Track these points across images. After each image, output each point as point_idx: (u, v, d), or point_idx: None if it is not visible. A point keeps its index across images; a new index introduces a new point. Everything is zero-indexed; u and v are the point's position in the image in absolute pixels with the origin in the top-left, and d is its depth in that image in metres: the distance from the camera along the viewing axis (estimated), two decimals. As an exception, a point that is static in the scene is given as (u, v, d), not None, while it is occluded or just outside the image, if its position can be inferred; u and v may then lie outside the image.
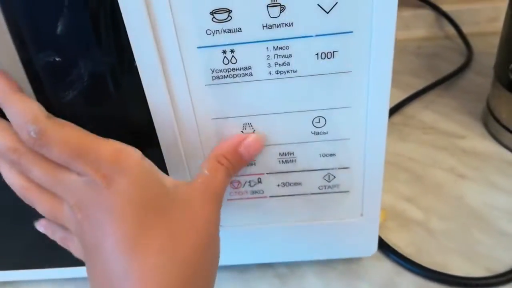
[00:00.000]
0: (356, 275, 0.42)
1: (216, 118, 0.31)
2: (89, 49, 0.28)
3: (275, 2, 0.26)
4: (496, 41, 0.54)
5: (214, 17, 0.27)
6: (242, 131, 0.32)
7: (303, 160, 0.33)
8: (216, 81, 0.29)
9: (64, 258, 0.39)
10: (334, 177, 0.34)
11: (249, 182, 0.35)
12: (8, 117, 0.28)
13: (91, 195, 0.27)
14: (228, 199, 0.36)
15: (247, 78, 0.29)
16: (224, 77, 0.29)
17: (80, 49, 0.28)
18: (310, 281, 0.42)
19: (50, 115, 0.28)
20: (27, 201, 0.31)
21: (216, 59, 0.28)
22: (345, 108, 0.30)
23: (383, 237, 0.43)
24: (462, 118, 0.58)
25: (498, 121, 0.53)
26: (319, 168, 0.34)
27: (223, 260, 0.31)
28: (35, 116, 0.27)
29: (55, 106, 0.29)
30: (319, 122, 0.31)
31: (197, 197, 0.29)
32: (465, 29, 0.71)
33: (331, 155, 0.33)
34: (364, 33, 0.27)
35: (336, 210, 0.36)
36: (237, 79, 0.29)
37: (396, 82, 0.29)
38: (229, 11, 0.27)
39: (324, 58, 0.28)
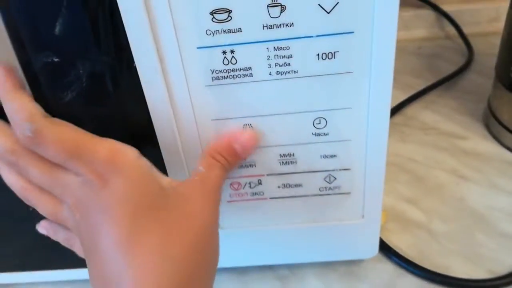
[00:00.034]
0: (357, 277, 0.41)
1: (216, 119, 0.31)
2: (87, 49, 0.27)
3: (275, 2, 0.26)
4: (497, 41, 0.54)
5: (214, 17, 0.26)
6: (242, 132, 0.32)
7: (303, 161, 0.33)
8: (216, 81, 0.29)
9: (62, 260, 0.40)
10: (335, 178, 0.34)
11: (249, 183, 0.35)
12: (6, 113, 0.28)
13: (87, 195, 0.27)
14: (228, 201, 0.36)
15: (247, 78, 0.29)
16: (224, 77, 0.29)
17: (78, 49, 0.27)
18: (310, 283, 0.42)
19: (47, 114, 0.28)
20: (27, 202, 0.31)
21: (216, 60, 0.28)
22: (346, 109, 0.30)
23: (384, 239, 0.43)
24: (463, 118, 0.57)
25: (499, 122, 0.52)
26: (320, 170, 0.34)
27: (222, 262, 0.31)
28: (31, 115, 0.27)
29: (53, 107, 0.29)
30: (320, 123, 0.31)
31: (193, 194, 0.29)
32: (466, 29, 0.71)
33: (332, 156, 0.33)
34: (365, 34, 0.27)
35: (337, 212, 0.36)
36: (237, 79, 0.29)
37: (396, 82, 0.29)
38: (229, 11, 0.26)
39: (325, 58, 0.28)
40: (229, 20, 0.27)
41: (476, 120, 0.57)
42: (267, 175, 0.34)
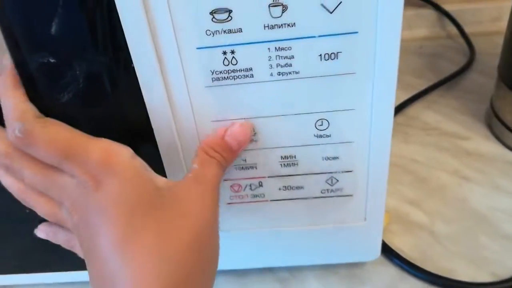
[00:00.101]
0: (359, 279, 0.41)
1: (216, 121, 0.31)
2: (84, 49, 0.27)
3: (277, 1, 0.26)
4: (499, 40, 0.54)
5: (214, 17, 0.26)
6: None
7: (305, 163, 0.33)
8: (216, 82, 0.29)
9: (61, 262, 0.40)
10: (337, 180, 0.33)
11: (250, 185, 0.34)
12: (3, 111, 0.28)
13: (83, 196, 0.27)
14: (228, 203, 0.35)
15: (248, 79, 0.29)
16: (224, 78, 0.29)
17: (75, 50, 0.27)
18: (311, 286, 0.41)
19: (40, 115, 0.28)
20: (26, 204, 0.30)
21: (216, 60, 0.28)
22: (349, 110, 0.30)
23: (386, 241, 0.42)
24: (465, 118, 0.57)
25: (502, 122, 0.52)
26: (322, 172, 0.33)
27: (221, 265, 0.30)
28: (23, 115, 0.27)
29: (49, 108, 0.29)
30: (322, 124, 0.31)
31: (189, 193, 0.28)
32: (468, 29, 0.71)
33: (334, 158, 0.32)
34: (368, 34, 0.27)
35: (339, 214, 0.36)
36: (237, 80, 0.29)
37: (397, 82, 0.29)
38: (230, 11, 0.26)
39: (328, 59, 0.28)
40: (230, 20, 0.26)
41: (478, 120, 0.56)
42: (268, 177, 0.34)
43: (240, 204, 0.35)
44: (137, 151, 0.28)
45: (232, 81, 0.29)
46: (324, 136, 0.31)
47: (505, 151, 0.52)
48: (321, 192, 0.34)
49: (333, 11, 0.26)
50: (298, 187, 0.34)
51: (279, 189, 0.34)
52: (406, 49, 0.70)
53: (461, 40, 0.70)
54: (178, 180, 0.29)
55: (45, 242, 0.32)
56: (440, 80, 0.63)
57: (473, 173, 0.50)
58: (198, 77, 0.29)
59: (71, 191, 0.27)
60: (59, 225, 0.31)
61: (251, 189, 0.34)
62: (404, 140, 0.54)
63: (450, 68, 0.65)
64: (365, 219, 0.36)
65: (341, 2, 0.26)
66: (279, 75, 0.28)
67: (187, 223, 0.27)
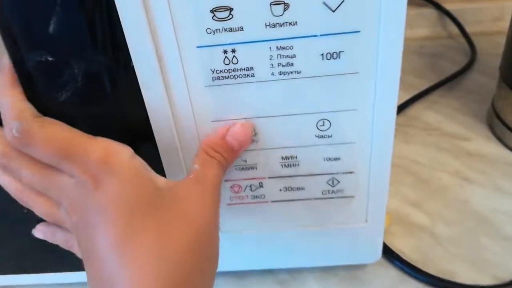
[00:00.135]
0: (359, 282, 0.41)
1: (216, 121, 0.30)
2: (83, 48, 0.27)
3: (278, 0, 0.25)
4: (500, 40, 0.53)
5: (214, 15, 0.26)
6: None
7: (306, 164, 0.32)
8: (217, 82, 0.28)
9: (59, 263, 0.40)
10: (339, 182, 0.33)
11: (250, 186, 0.34)
12: (1, 111, 0.28)
13: (82, 196, 0.27)
14: (228, 204, 0.35)
15: (248, 79, 0.28)
16: (224, 78, 0.28)
17: (73, 48, 0.27)
18: (311, 288, 0.41)
19: (38, 114, 0.27)
20: (24, 204, 0.30)
21: (216, 59, 0.27)
22: (351, 110, 0.29)
23: (387, 243, 0.42)
24: (466, 119, 0.57)
25: (504, 123, 0.52)
26: (323, 173, 0.33)
27: (221, 266, 0.30)
28: (20, 114, 0.27)
29: (47, 107, 0.28)
30: (323, 125, 0.30)
31: (189, 194, 0.28)
32: (469, 29, 0.71)
33: (335, 159, 0.32)
34: (371, 33, 0.26)
35: (340, 216, 0.35)
36: (238, 80, 0.28)
37: (399, 82, 0.28)
38: (231, 9, 0.26)
39: (330, 58, 0.27)
40: (231, 18, 0.26)
41: (479, 121, 0.56)
42: (269, 177, 0.33)
43: (240, 205, 0.35)
44: (137, 151, 0.28)
45: (233, 81, 0.28)
46: (325, 136, 0.31)
47: (507, 152, 0.52)
48: (322, 193, 0.34)
49: (335, 9, 0.26)
50: (298, 188, 0.34)
51: (280, 190, 0.34)
52: (407, 48, 0.69)
53: (462, 40, 0.70)
54: (178, 180, 0.29)
55: (43, 242, 0.32)
56: (441, 80, 0.62)
57: (474, 174, 0.49)
58: (198, 76, 0.28)
59: (70, 190, 0.27)
60: (57, 225, 0.31)
61: (251, 190, 0.34)
62: (404, 141, 0.54)
63: (451, 68, 0.65)
64: (366, 220, 0.35)
65: (343, 0, 0.25)
66: (280, 74, 0.28)
67: (187, 224, 0.27)
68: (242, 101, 0.29)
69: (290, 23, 0.26)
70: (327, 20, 0.26)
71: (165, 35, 0.26)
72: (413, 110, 0.59)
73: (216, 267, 0.29)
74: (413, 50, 0.70)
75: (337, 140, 0.31)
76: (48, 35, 0.26)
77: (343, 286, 0.41)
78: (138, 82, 0.28)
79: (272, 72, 0.28)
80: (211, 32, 0.26)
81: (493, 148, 0.52)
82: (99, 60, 0.27)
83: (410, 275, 0.40)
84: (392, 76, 0.28)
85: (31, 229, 0.32)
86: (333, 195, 0.34)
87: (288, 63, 0.28)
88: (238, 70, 0.28)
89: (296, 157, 0.32)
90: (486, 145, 0.53)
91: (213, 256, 0.29)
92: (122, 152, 0.27)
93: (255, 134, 0.31)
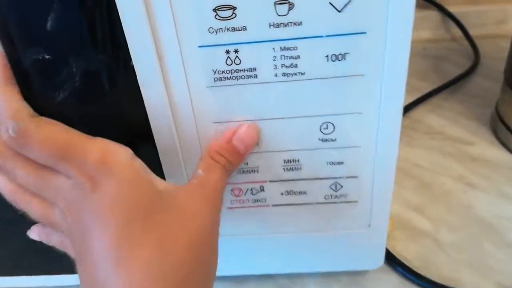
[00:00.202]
0: None
1: (218, 122, 0.30)
2: (81, 46, 0.26)
3: (283, -1, 0.25)
4: (503, 44, 0.53)
5: (217, 14, 0.25)
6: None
7: (309, 168, 0.32)
8: (218, 82, 0.28)
9: (56, 265, 0.39)
10: (342, 186, 0.32)
11: (251, 190, 0.33)
12: None
13: (79, 198, 0.26)
14: (229, 207, 0.35)
15: (251, 80, 0.28)
16: (227, 78, 0.28)
17: (71, 46, 0.26)
18: (312, 293, 0.40)
19: (35, 114, 0.27)
20: (17, 206, 0.30)
21: (218, 59, 0.27)
22: (355, 114, 0.29)
23: (389, 248, 0.41)
24: (469, 123, 0.56)
25: (508, 128, 0.51)
26: (326, 177, 0.32)
27: (219, 270, 0.29)
28: (16, 113, 0.26)
29: (44, 107, 0.28)
30: (327, 128, 0.30)
31: (192, 201, 0.28)
32: (472, 31, 0.70)
33: (339, 163, 0.31)
34: (378, 34, 0.26)
35: (342, 221, 0.35)
36: (240, 81, 0.28)
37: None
38: (234, 8, 0.25)
39: (335, 60, 0.27)
40: (234, 17, 0.25)
41: (483, 125, 0.56)
42: (270, 181, 0.33)
43: (241, 208, 0.34)
44: (136, 152, 0.27)
45: (235, 81, 0.28)
46: (329, 140, 0.30)
47: (511, 157, 0.51)
48: (325, 198, 0.33)
49: (341, 10, 0.25)
50: (301, 192, 0.33)
51: (281, 194, 0.33)
52: (410, 50, 0.70)
53: (466, 43, 0.70)
54: (177, 182, 0.29)
55: (41, 244, 0.32)
56: (444, 83, 0.62)
57: (478, 179, 0.49)
58: (200, 76, 0.28)
59: (66, 192, 0.27)
60: (52, 227, 0.30)
61: (252, 193, 0.33)
62: (408, 144, 0.54)
63: (454, 71, 0.64)
64: (369, 225, 0.35)
65: (350, 1, 0.25)
66: (284, 76, 0.27)
67: (188, 233, 0.27)
68: (245, 102, 0.29)
69: (294, 23, 0.26)
70: (333, 20, 0.25)
71: (166, 34, 0.26)
72: (416, 113, 0.59)
73: (215, 274, 0.29)
74: (416, 52, 0.70)
75: (341, 144, 0.30)
76: (45, 32, 0.25)
77: (344, 291, 0.40)
78: (137, 82, 0.28)
79: (276, 73, 0.27)
80: (213, 32, 0.26)
81: (497, 153, 0.52)
82: (97, 59, 0.27)
83: (412, 281, 0.40)
84: (399, 78, 0.27)
85: (27, 231, 0.32)
86: (336, 199, 0.33)
87: (292, 64, 0.27)
88: (240, 71, 0.27)
89: (298, 161, 0.31)
90: (490, 149, 0.52)
91: (212, 260, 0.29)
92: (121, 153, 0.27)
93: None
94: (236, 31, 0.26)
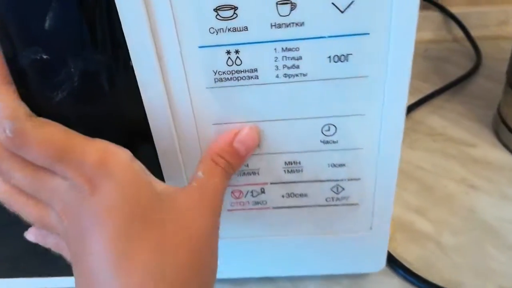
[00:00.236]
0: (362, 290, 0.40)
1: (218, 124, 0.29)
2: (79, 45, 0.26)
3: (285, -1, 0.24)
4: (505, 45, 0.53)
5: (218, 14, 0.25)
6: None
7: (310, 170, 0.31)
8: (219, 83, 0.28)
9: (54, 267, 0.38)
10: (343, 188, 0.32)
11: (252, 192, 0.33)
12: None
13: (76, 200, 0.26)
14: (229, 209, 0.34)
15: (252, 81, 0.27)
16: (227, 79, 0.27)
17: (70, 45, 0.26)
18: (313, 296, 0.40)
19: (32, 114, 0.26)
20: (10, 208, 0.29)
21: (219, 60, 0.27)
22: (358, 115, 0.29)
23: (390, 251, 0.41)
24: (471, 124, 0.56)
25: (510, 129, 0.51)
26: (327, 179, 0.32)
27: (220, 273, 0.29)
28: (13, 113, 0.26)
29: (42, 107, 0.27)
30: (329, 130, 0.29)
31: (192, 203, 0.27)
32: (474, 32, 0.70)
33: (340, 165, 0.31)
34: (381, 35, 0.25)
35: (344, 224, 0.34)
36: (241, 82, 0.27)
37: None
38: (235, 8, 0.25)
39: (337, 61, 0.26)
40: (235, 17, 0.25)
41: (485, 127, 0.55)
42: (271, 183, 0.32)
43: (241, 211, 0.34)
44: (135, 153, 0.27)
45: (236, 82, 0.27)
46: (330, 142, 0.30)
47: (513, 159, 0.51)
48: (326, 200, 0.33)
49: (344, 10, 0.25)
50: (302, 195, 0.33)
51: (282, 196, 0.33)
52: (412, 52, 0.70)
53: (467, 44, 0.69)
54: (176, 184, 0.29)
55: (38, 247, 0.32)
56: (446, 85, 0.62)
57: (480, 181, 0.48)
58: (200, 77, 0.27)
59: (62, 194, 0.26)
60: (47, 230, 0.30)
61: (252, 195, 0.33)
62: (409, 146, 0.53)
63: (456, 72, 0.64)
64: (371, 228, 0.35)
65: (353, 1, 0.24)
66: (286, 77, 0.27)
67: (187, 237, 0.26)
68: (245, 104, 0.28)
69: (296, 24, 0.25)
70: (335, 21, 0.25)
71: (166, 33, 0.26)
72: (418, 114, 0.58)
73: (215, 275, 0.29)
74: (417, 53, 0.69)
75: (342, 146, 0.30)
76: (43, 31, 0.25)
77: (345, 294, 0.40)
78: (137, 82, 0.27)
79: (277, 74, 0.27)
80: (214, 32, 0.26)
81: (499, 155, 0.51)
82: (96, 59, 0.26)
83: (414, 284, 0.40)
84: (402, 80, 0.27)
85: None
86: (337, 202, 0.33)
87: (293, 65, 0.27)
88: (241, 71, 0.27)
89: (299, 163, 0.31)
90: (492, 151, 0.52)
91: (212, 263, 0.28)
92: (120, 155, 0.26)
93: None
94: (237, 32, 0.25)
